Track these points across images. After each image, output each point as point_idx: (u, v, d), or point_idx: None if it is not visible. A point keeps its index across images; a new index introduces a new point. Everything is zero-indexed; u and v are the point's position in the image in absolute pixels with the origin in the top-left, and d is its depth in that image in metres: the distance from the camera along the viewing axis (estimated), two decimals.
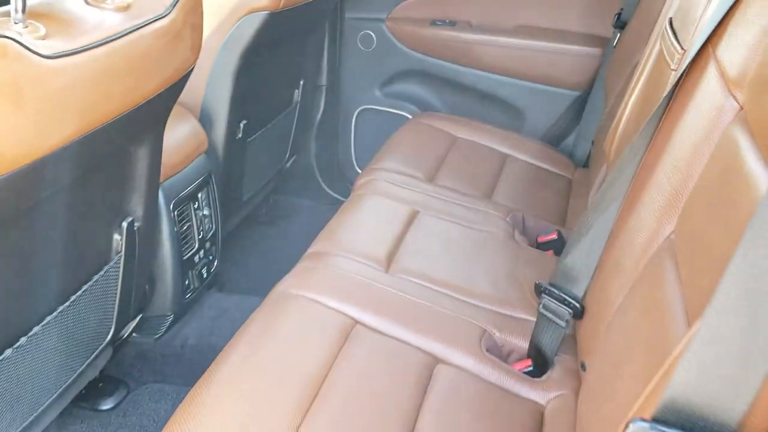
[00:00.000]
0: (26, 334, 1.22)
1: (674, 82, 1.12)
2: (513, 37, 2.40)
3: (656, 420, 0.61)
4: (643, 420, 0.61)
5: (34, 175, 0.93)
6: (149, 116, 1.25)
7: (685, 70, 1.10)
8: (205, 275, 1.86)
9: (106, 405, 1.74)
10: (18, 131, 0.85)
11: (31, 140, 0.88)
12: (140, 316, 1.68)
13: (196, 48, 1.29)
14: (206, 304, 1.97)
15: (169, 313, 1.78)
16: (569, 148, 2.40)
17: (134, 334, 1.76)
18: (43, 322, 1.26)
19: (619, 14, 2.17)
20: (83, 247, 1.34)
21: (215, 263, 1.92)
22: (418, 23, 2.50)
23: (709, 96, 1.05)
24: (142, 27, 1.07)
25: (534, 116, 2.44)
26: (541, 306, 1.34)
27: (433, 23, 2.48)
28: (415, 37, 2.50)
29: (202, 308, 1.96)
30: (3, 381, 1.20)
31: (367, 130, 2.63)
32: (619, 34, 2.17)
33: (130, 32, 1.04)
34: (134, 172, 1.40)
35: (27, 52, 0.85)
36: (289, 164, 2.46)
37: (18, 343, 1.20)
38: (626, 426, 0.62)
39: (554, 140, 2.41)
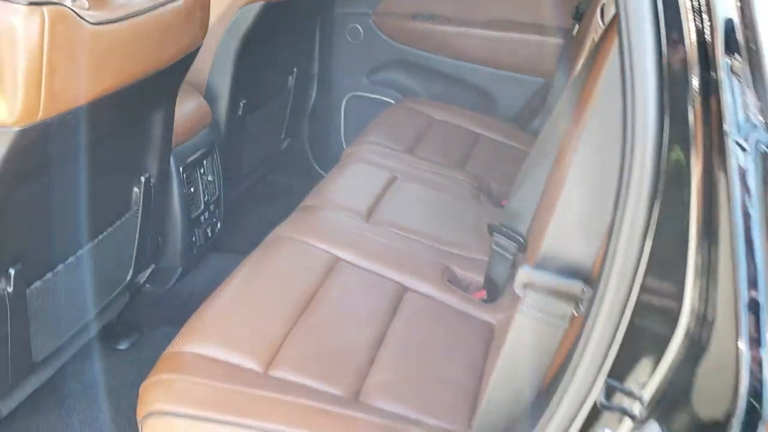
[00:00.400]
0: (63, 262, 1.47)
1: (594, 49, 1.38)
2: (485, 29, 2.67)
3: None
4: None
5: (81, 117, 1.18)
6: (165, 82, 1.51)
7: (602, 38, 1.36)
8: (209, 234, 2.11)
9: (123, 345, 1.99)
10: (72, 80, 1.11)
11: (80, 88, 1.14)
12: (153, 266, 1.92)
13: (204, 27, 1.55)
14: (211, 262, 2.22)
15: (178, 266, 2.03)
16: (536, 129, 2.65)
17: (147, 285, 2.01)
18: (76, 254, 1.51)
19: (578, 6, 2.43)
20: (109, 194, 1.59)
21: (218, 225, 2.17)
22: (401, 17, 2.76)
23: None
24: (162, 5, 1.33)
25: (505, 101, 2.70)
26: (493, 243, 1.59)
27: (414, 17, 2.74)
28: (398, 30, 2.76)
29: (208, 265, 2.21)
30: (42, 302, 1.45)
31: (356, 115, 2.88)
32: (577, 25, 2.43)
33: (154, 9, 1.30)
34: (151, 134, 1.66)
35: (79, 18, 1.10)
36: (284, 146, 2.71)
37: (56, 269, 1.46)
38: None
39: (523, 122, 2.66)
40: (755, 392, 0.60)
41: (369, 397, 1.25)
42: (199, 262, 2.15)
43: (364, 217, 1.80)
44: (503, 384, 0.96)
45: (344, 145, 2.95)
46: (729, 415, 0.61)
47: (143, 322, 2.06)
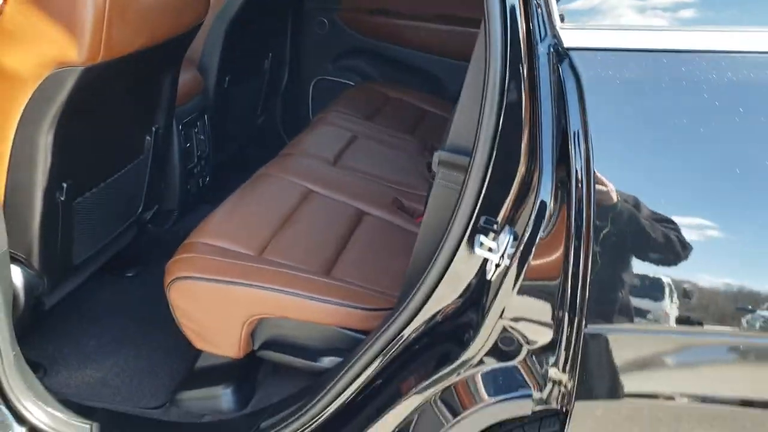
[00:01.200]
0: (97, 186, 1.89)
1: None
2: (434, 23, 3.15)
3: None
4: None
5: (124, 65, 1.61)
6: (176, 48, 1.94)
7: None
8: (201, 184, 2.53)
9: (130, 273, 2.39)
10: (122, 34, 1.54)
11: (126, 41, 1.57)
12: (157, 207, 2.34)
13: (207, 6, 1.99)
14: (202, 212, 2.63)
15: (176, 209, 2.45)
16: None
17: (149, 225, 2.42)
18: (106, 181, 1.93)
19: None
20: (130, 138, 2.02)
21: (207, 179, 2.59)
22: (362, 12, 3.23)
23: None
24: None
25: (450, 84, 3.17)
26: (431, 177, 2.05)
27: (372, 12, 3.21)
28: (359, 23, 3.22)
29: (200, 214, 2.62)
30: (81, 216, 1.86)
31: (322, 96, 3.33)
32: None
33: None
34: (161, 94, 2.08)
35: None
36: (259, 121, 3.15)
37: (92, 190, 1.87)
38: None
39: None
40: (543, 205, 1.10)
41: (337, 274, 1.70)
42: (193, 208, 2.57)
43: (331, 163, 2.25)
44: (424, 239, 1.42)
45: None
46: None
47: (146, 256, 2.47)
